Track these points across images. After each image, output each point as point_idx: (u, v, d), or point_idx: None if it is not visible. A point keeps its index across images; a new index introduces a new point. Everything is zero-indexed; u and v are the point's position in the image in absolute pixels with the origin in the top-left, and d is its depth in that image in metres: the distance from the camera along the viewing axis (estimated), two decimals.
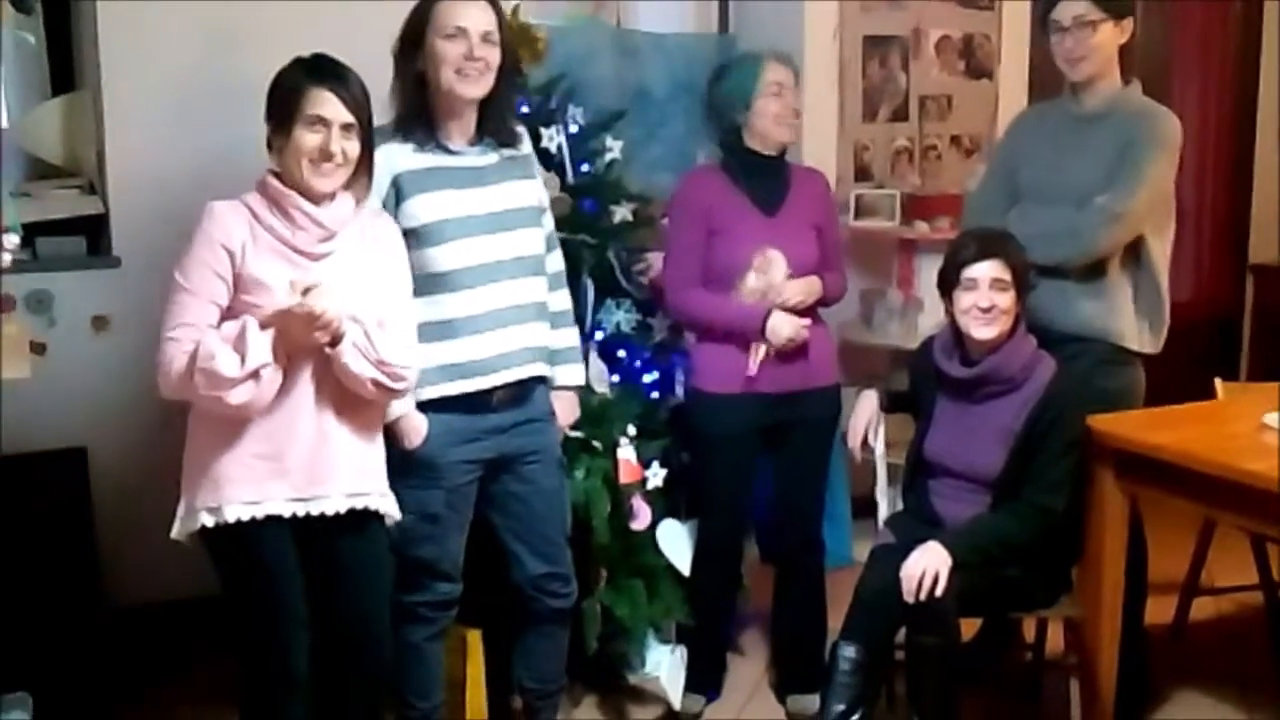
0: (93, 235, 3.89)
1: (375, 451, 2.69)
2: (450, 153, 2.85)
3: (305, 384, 2.55)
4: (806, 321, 3.32)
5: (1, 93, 3.93)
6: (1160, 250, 3.32)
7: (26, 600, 3.40)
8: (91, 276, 3.83)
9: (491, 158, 2.90)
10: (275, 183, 2.55)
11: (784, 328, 3.28)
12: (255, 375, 2.42)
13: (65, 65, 4.05)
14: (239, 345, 2.41)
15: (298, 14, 3.75)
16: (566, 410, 3.12)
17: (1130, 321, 3.28)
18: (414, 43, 2.80)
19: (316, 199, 2.56)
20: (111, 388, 3.83)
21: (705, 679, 3.61)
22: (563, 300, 3.12)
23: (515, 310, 2.89)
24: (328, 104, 2.53)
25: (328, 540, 2.61)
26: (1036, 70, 5.08)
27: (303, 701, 2.64)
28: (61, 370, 3.76)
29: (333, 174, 2.56)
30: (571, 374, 3.12)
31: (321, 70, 2.56)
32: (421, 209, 2.79)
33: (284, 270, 2.50)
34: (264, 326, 2.46)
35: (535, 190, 3.01)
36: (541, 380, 3.01)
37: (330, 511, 2.59)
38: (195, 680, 3.59)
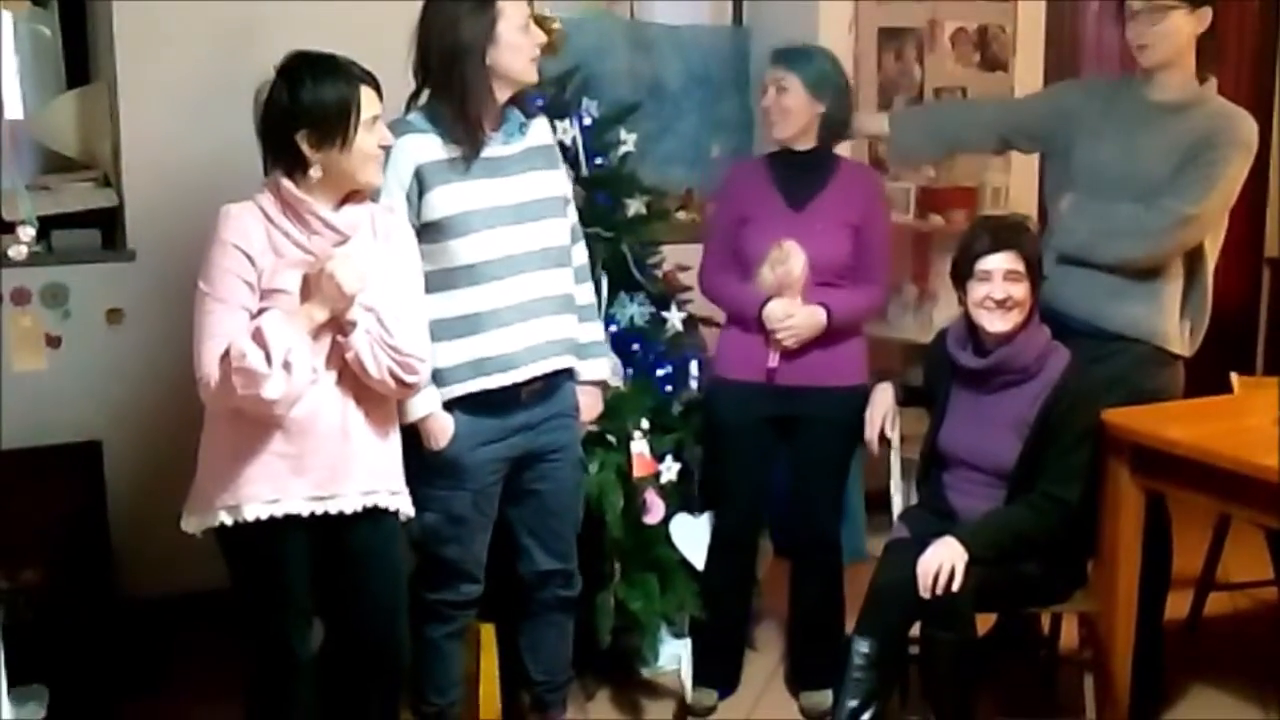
0: (108, 228, 3.90)
1: (391, 449, 2.68)
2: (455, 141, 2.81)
3: (327, 382, 2.54)
4: (799, 310, 3.30)
5: (17, 85, 3.94)
6: (1213, 253, 3.29)
7: (42, 593, 3.41)
8: (106, 270, 3.84)
9: (515, 147, 2.87)
10: (291, 187, 2.51)
11: (776, 317, 3.29)
12: (286, 366, 2.39)
13: (80, 58, 4.05)
14: (260, 341, 2.39)
15: (312, 7, 3.75)
16: (591, 405, 3.11)
17: (1175, 324, 3.27)
18: (482, 31, 2.74)
19: (336, 202, 2.55)
20: (126, 381, 3.85)
21: (720, 674, 3.60)
22: (588, 293, 3.11)
23: (542, 302, 2.87)
24: (374, 100, 2.54)
25: (342, 535, 2.62)
26: (1052, 62, 5.06)
27: (308, 685, 2.68)
28: (76, 363, 3.77)
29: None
30: (597, 368, 3.11)
31: (351, 70, 2.53)
32: (444, 201, 2.76)
33: (299, 277, 2.49)
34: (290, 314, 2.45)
35: (560, 181, 2.98)
36: (568, 374, 2.99)
37: (348, 510, 2.59)
38: (210, 672, 3.60)
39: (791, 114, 3.32)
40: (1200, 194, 3.14)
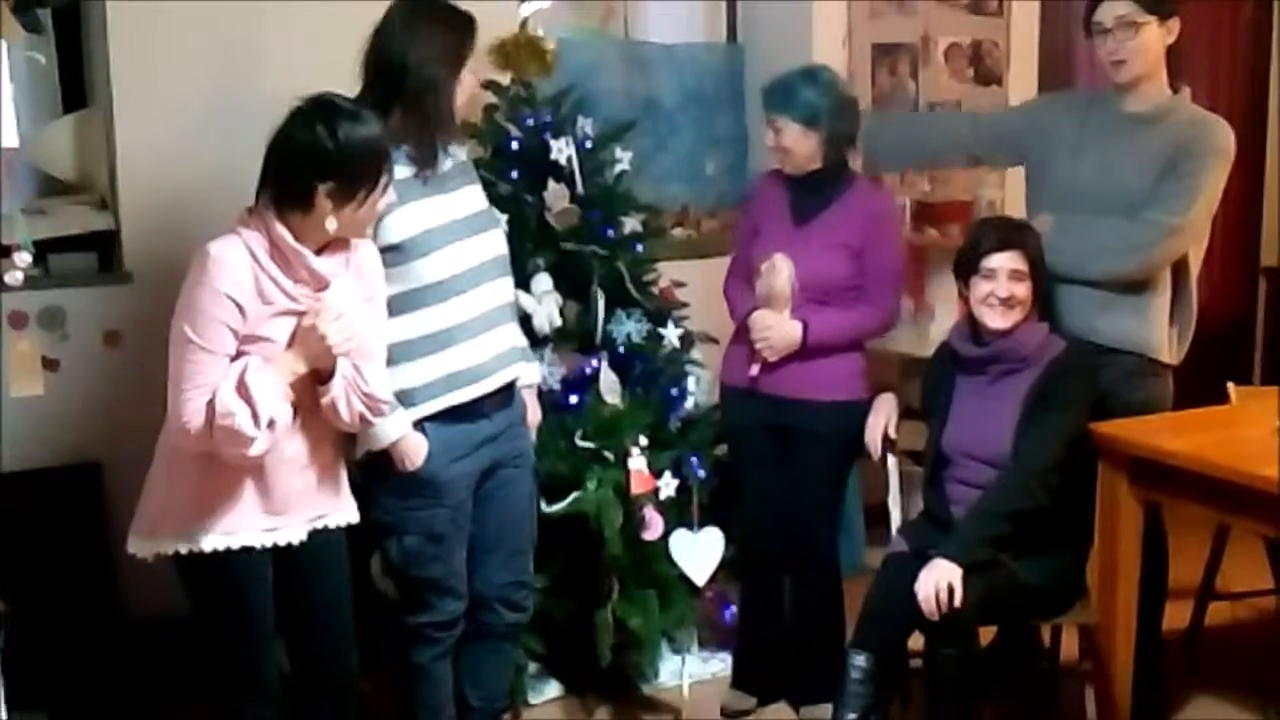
0: (104, 251, 3.90)
1: (340, 468, 2.70)
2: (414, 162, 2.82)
3: (294, 419, 2.54)
4: (777, 323, 3.32)
5: (13, 110, 3.95)
6: (1197, 261, 3.31)
7: (42, 615, 3.40)
8: (103, 292, 3.84)
9: (446, 163, 2.88)
10: (288, 237, 2.43)
11: (756, 328, 3.34)
12: (270, 425, 2.40)
13: (76, 82, 4.06)
14: (245, 397, 2.37)
15: (308, 30, 3.76)
16: (535, 409, 3.15)
17: (1164, 334, 3.27)
18: (456, 66, 2.79)
19: (323, 248, 2.52)
20: (124, 403, 3.83)
21: (755, 682, 3.63)
22: None
23: (499, 311, 2.92)
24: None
25: (291, 553, 2.61)
26: (1046, 76, 5.07)
27: (275, 705, 2.69)
28: (74, 386, 3.77)
29: None
30: (534, 372, 3.16)
31: (382, 131, 2.51)
32: (402, 223, 2.76)
33: (284, 324, 2.46)
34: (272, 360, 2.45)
35: (483, 194, 3.01)
36: (514, 382, 3.02)
37: (298, 540, 2.60)
38: (210, 695, 3.59)
39: (792, 152, 3.35)
40: (1184, 205, 3.15)
